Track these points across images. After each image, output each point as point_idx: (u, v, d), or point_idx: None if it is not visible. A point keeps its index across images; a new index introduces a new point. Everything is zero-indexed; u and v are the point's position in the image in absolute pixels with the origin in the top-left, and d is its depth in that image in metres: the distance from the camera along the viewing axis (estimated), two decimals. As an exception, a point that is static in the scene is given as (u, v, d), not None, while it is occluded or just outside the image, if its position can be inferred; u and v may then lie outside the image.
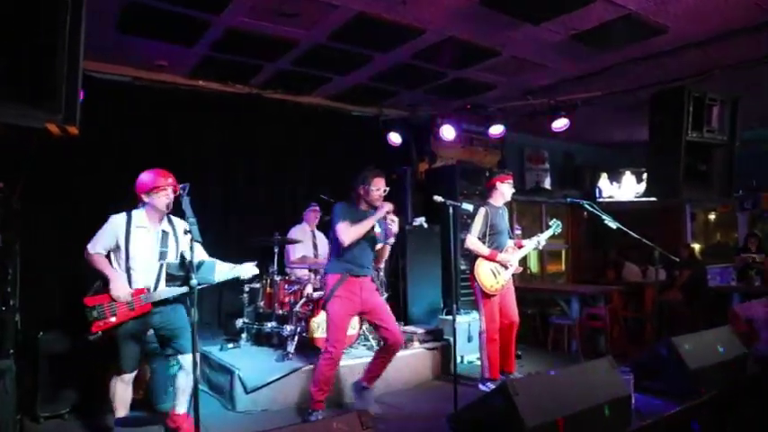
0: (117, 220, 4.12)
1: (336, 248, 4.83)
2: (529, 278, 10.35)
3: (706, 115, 5.73)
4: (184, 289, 4.12)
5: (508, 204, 6.04)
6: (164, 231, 4.29)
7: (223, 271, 4.41)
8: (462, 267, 7.80)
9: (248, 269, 4.50)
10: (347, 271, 4.75)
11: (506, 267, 5.77)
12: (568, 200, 6.38)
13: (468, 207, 5.00)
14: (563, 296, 7.91)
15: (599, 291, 8.02)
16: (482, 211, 5.74)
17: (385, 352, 4.98)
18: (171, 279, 4.07)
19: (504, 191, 5.84)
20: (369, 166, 5.01)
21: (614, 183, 11.02)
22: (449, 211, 4.82)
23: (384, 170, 5.08)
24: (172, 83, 6.81)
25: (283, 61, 6.52)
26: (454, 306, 4.97)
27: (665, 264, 8.95)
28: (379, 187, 4.79)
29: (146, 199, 4.20)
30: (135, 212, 4.21)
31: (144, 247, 4.15)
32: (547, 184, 10.63)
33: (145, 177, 4.23)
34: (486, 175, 5.95)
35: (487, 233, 5.74)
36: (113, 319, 4.03)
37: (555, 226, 6.00)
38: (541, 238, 5.94)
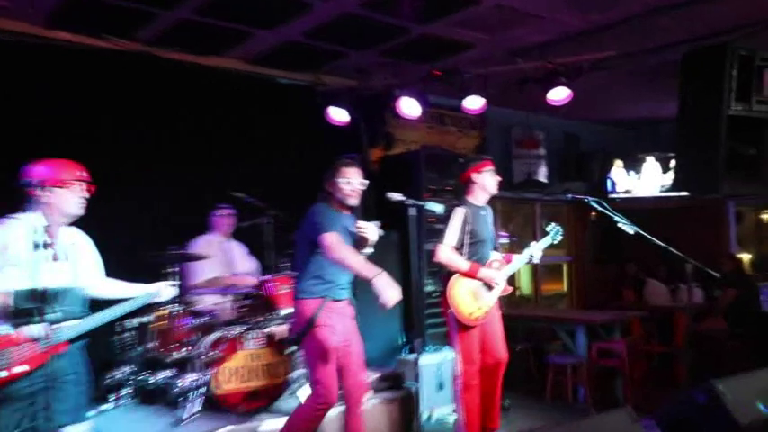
0: (8, 233, 4.04)
1: (311, 262, 5.01)
2: (518, 302, 10.42)
3: (756, 81, 5.73)
4: (112, 315, 4.23)
5: (491, 203, 6.14)
6: (66, 243, 4.30)
7: (125, 295, 4.48)
8: (429, 289, 7.83)
9: (163, 289, 4.64)
10: (328, 294, 4.98)
11: (491, 288, 5.84)
12: (570, 196, 6.95)
13: (436, 207, 5.08)
14: (565, 326, 7.90)
15: (613, 318, 8.04)
16: (459, 212, 5.83)
17: (350, 411, 5.15)
18: (16, 315, 3.95)
19: (486, 183, 5.95)
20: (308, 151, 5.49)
21: (632, 173, 11.09)
22: (410, 212, 4.91)
23: (323, 159, 5.21)
24: (18, 33, 6.65)
25: (185, 8, 6.46)
26: (418, 341, 5.29)
27: (702, 281, 9.01)
28: (349, 179, 4.99)
29: (42, 196, 4.14)
30: (26, 217, 4.13)
31: (52, 266, 4.12)
32: (542, 175, 10.66)
33: (42, 168, 4.19)
34: (461, 163, 6.17)
35: (466, 242, 5.82)
36: (26, 368, 3.91)
37: (554, 232, 6.16)
38: (536, 249, 6.06)
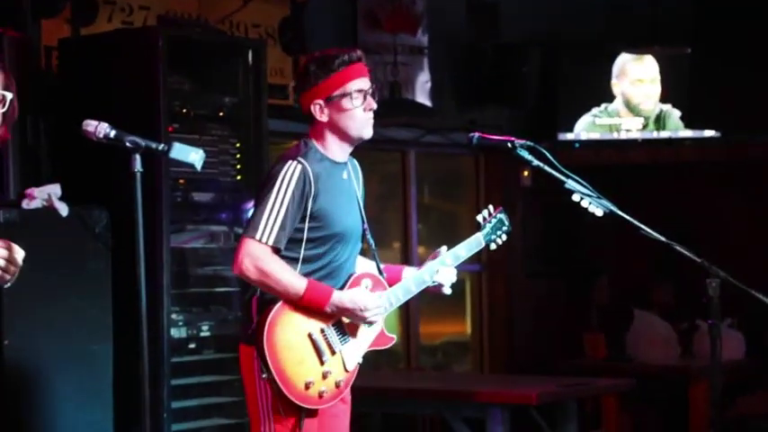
0: None
1: None
2: (373, 362, 8.18)
3: None
4: None
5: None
6: None
7: None
8: (180, 335, 6.14)
9: None
10: None
11: (352, 334, 4.23)
12: (477, 137, 4.72)
13: (193, 155, 3.63)
14: (467, 410, 6.48)
15: (566, 393, 6.49)
16: (290, 173, 4.18)
17: None
18: None
19: (352, 119, 4.30)
20: None
21: (609, 86, 8.67)
22: (135, 166, 3.58)
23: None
24: None
25: None
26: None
27: (745, 317, 7.47)
28: None
29: None
30: None
31: None
32: (421, 92, 8.57)
33: None
34: (300, 72, 4.29)
35: (305, 236, 4.23)
36: None
37: (492, 227, 4.63)
38: (445, 264, 4.49)
